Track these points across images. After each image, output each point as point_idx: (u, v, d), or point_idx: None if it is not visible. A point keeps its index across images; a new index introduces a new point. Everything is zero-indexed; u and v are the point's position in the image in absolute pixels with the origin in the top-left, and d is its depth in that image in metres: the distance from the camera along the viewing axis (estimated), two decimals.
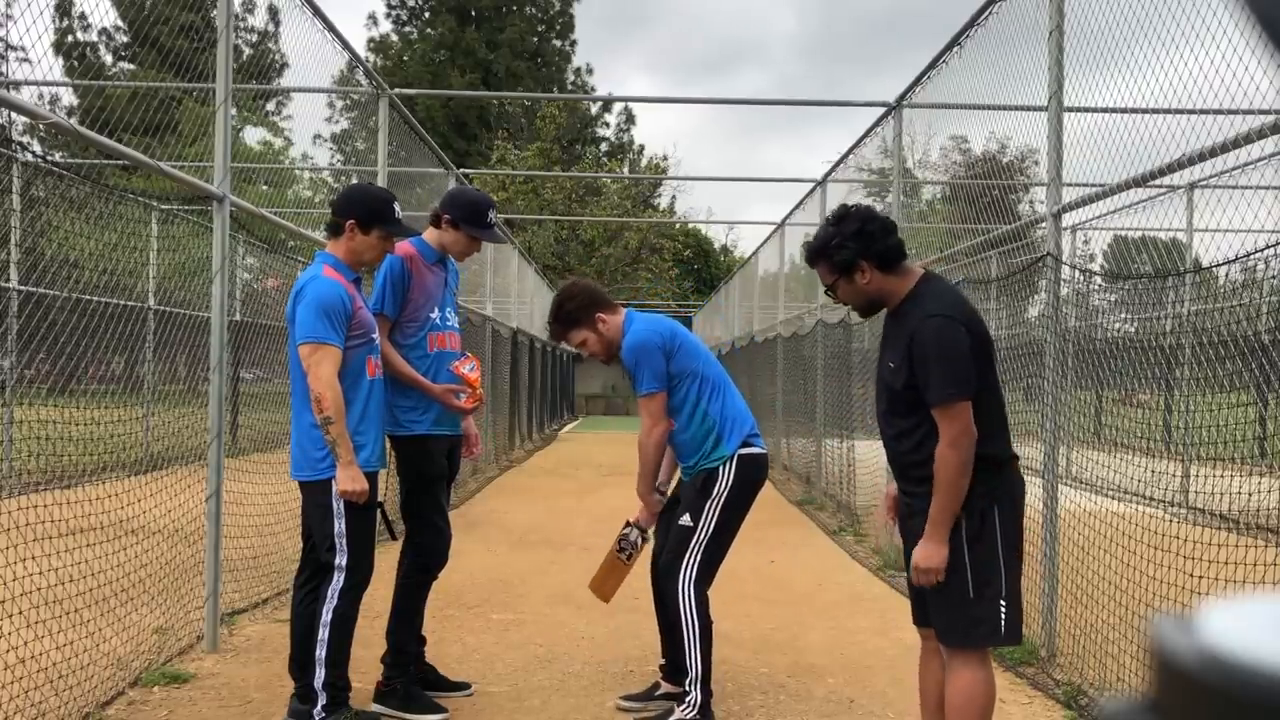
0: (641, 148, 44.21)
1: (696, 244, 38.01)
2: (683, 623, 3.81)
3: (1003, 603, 2.94)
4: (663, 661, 4.19)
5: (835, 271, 3.12)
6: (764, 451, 4.05)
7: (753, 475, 3.97)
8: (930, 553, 2.94)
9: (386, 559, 4.14)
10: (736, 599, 5.81)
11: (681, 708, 3.81)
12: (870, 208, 3.24)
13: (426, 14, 45.24)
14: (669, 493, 4.20)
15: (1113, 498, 5.28)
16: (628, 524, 4.27)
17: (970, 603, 2.94)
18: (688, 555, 3.86)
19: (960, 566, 2.93)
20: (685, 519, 3.90)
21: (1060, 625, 4.73)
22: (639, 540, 4.22)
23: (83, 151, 12.61)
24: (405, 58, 43.53)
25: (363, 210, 3.74)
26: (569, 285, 4.23)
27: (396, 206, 3.81)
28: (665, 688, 4.10)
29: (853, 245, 3.06)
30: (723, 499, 3.89)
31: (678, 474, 4.24)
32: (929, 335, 2.92)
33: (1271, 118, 3.36)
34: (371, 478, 3.68)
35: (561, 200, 32.29)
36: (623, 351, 3.97)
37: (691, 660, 3.80)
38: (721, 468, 3.90)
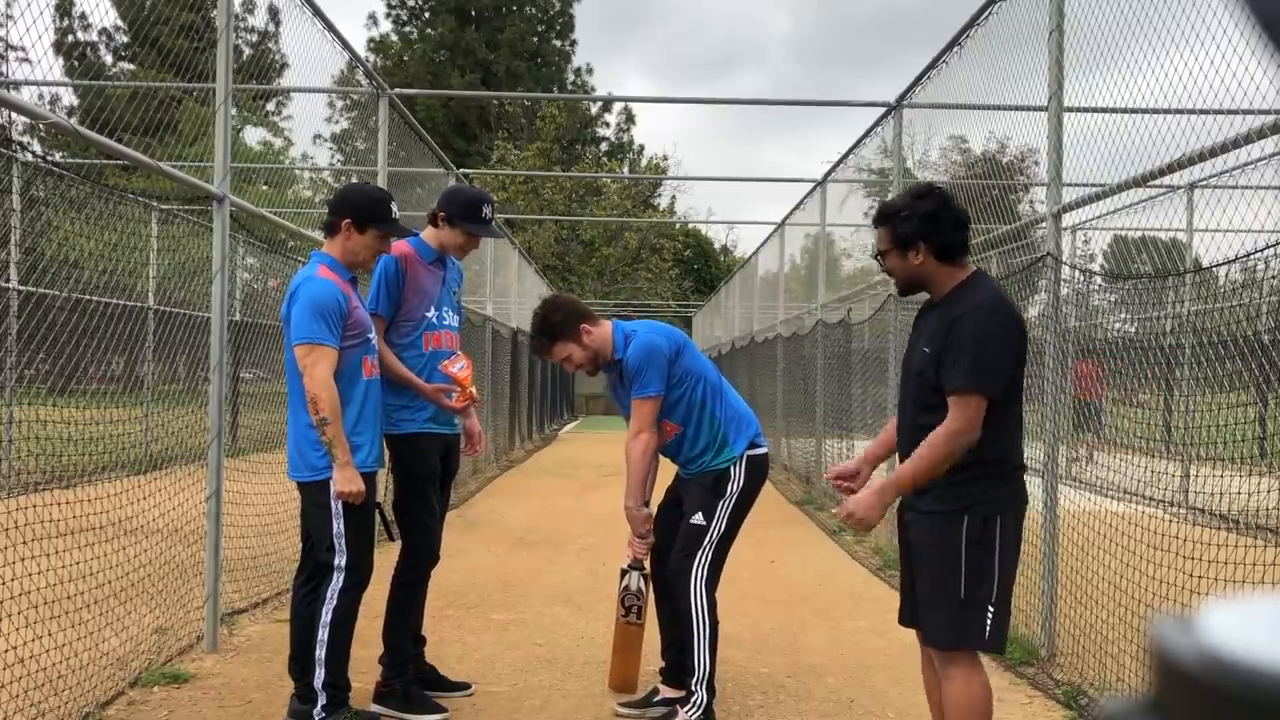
0: (641, 148, 44.30)
1: (696, 244, 38.04)
2: (693, 622, 3.80)
3: (990, 608, 2.91)
4: (663, 664, 4.16)
5: (893, 241, 3.06)
6: (768, 451, 4.09)
7: (759, 475, 4.00)
8: (870, 504, 2.93)
9: (387, 559, 4.13)
10: (736, 599, 5.81)
11: (687, 709, 3.80)
12: (952, 197, 3.13)
13: (426, 14, 45.26)
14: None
15: (1113, 498, 5.29)
16: (623, 571, 4.24)
17: (960, 605, 2.91)
18: (699, 554, 3.85)
19: (956, 567, 2.90)
20: (698, 518, 3.89)
21: (1060, 625, 4.73)
22: (642, 588, 4.19)
23: (83, 151, 12.62)
24: (405, 58, 43.55)
25: (358, 209, 3.72)
26: (551, 299, 4.17)
27: (393, 206, 3.79)
28: (664, 693, 4.06)
29: (918, 224, 2.99)
30: (734, 499, 3.90)
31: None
32: (975, 322, 2.87)
33: (1271, 118, 3.36)
34: (369, 478, 3.67)
35: (561, 200, 32.30)
36: (629, 354, 3.94)
37: (699, 659, 3.79)
38: (733, 468, 3.91)
